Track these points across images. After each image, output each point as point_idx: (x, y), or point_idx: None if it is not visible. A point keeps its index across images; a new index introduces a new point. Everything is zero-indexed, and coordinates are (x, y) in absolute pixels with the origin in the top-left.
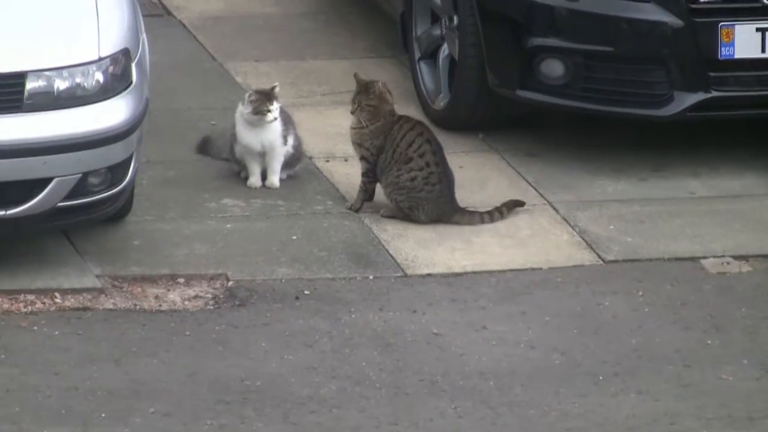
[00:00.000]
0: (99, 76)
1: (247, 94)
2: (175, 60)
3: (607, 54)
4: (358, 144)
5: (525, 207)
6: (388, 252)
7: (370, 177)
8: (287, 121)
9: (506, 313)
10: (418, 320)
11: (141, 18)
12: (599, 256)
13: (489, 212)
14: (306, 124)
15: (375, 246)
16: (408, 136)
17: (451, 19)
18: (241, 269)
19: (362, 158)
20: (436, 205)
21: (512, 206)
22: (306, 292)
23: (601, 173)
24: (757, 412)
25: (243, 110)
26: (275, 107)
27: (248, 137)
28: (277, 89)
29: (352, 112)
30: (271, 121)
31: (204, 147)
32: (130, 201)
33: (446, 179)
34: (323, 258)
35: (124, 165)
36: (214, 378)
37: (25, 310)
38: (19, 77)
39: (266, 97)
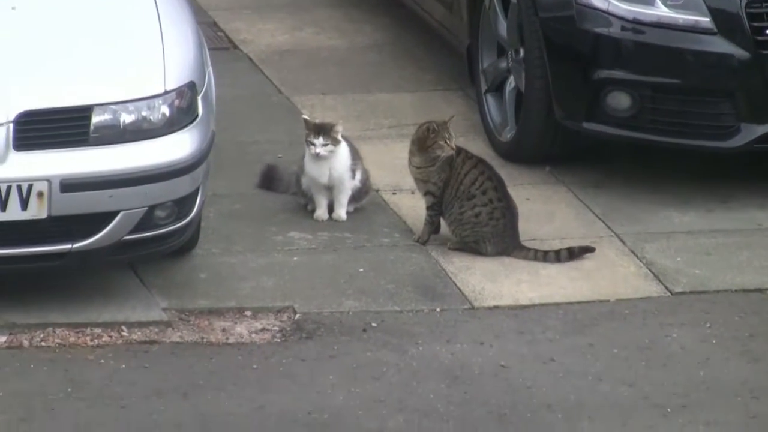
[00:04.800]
0: (165, 110)
1: None
2: (241, 93)
3: (674, 86)
4: (423, 181)
5: (592, 239)
6: (455, 284)
7: (436, 210)
8: (355, 155)
9: (573, 345)
10: (485, 353)
11: (207, 51)
12: (666, 288)
13: (545, 252)
14: (372, 157)
15: (442, 278)
16: (471, 174)
17: (517, 52)
18: (308, 302)
19: (427, 193)
20: (501, 239)
21: (581, 252)
22: (373, 324)
23: (668, 205)
24: None
25: None
26: (320, 142)
27: (315, 170)
28: (333, 125)
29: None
30: (315, 155)
31: (270, 181)
32: (196, 234)
33: (510, 214)
34: (390, 290)
35: (191, 198)
36: (282, 411)
37: (92, 343)
38: (85, 111)
39: (313, 129)
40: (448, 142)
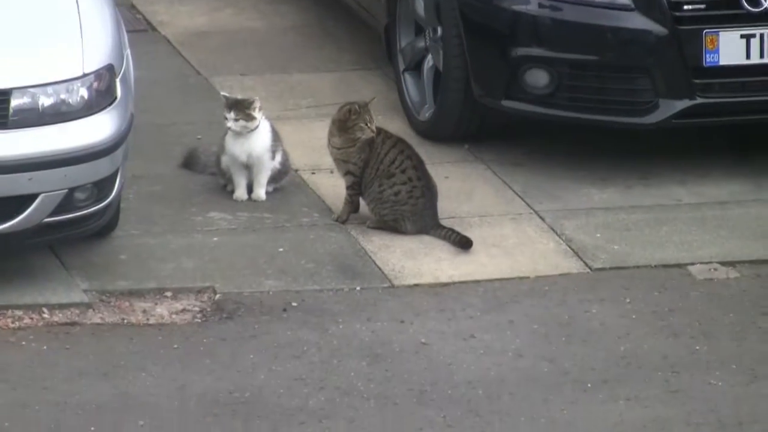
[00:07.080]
0: (84, 92)
1: None
2: (159, 75)
3: (592, 63)
4: (343, 161)
5: (512, 216)
6: (375, 263)
7: (356, 189)
8: (275, 136)
9: (494, 322)
10: (405, 330)
11: (125, 34)
12: (586, 264)
13: (458, 235)
14: (291, 137)
15: (362, 257)
16: (391, 154)
17: (435, 31)
18: (228, 282)
19: (347, 173)
20: (420, 217)
21: (463, 242)
22: (293, 303)
23: (587, 182)
24: (746, 417)
25: None
26: (231, 116)
27: (236, 147)
28: (251, 102)
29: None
30: (229, 128)
31: (189, 162)
32: (116, 216)
33: (429, 192)
34: (310, 270)
35: (110, 180)
36: (203, 391)
37: (13, 325)
38: (4, 94)
39: (227, 105)
40: (368, 124)
